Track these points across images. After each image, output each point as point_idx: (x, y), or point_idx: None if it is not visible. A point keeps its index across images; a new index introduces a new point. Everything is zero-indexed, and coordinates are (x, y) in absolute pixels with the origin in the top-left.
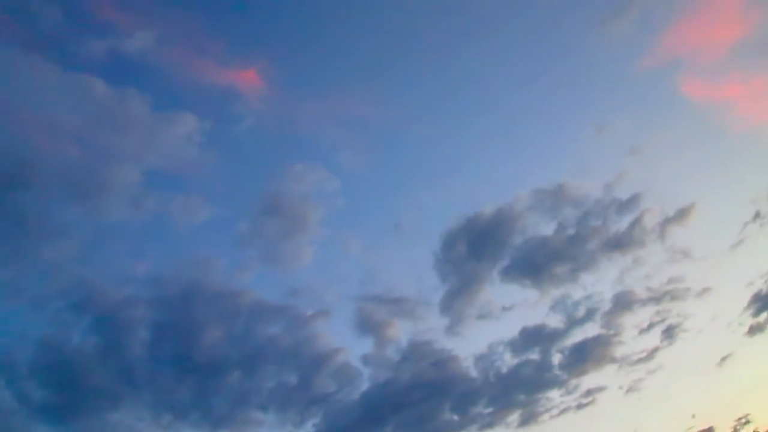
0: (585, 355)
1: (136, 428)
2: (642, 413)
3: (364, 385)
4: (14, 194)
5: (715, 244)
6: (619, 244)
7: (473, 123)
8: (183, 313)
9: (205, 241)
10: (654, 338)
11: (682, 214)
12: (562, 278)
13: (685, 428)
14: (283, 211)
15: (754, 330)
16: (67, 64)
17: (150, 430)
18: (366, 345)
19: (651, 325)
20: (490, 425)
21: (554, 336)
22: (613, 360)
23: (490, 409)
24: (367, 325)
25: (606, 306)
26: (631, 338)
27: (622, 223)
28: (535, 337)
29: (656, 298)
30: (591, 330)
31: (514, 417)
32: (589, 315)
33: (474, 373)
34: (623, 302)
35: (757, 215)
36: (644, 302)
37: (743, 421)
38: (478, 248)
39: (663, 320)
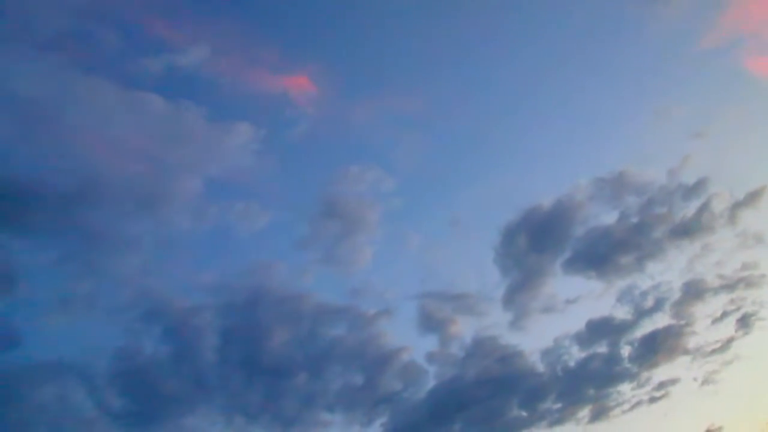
0: (656, 347)
1: None
2: (719, 406)
3: (430, 383)
4: (85, 212)
5: None
6: (686, 230)
7: (528, 114)
8: (249, 318)
9: (265, 246)
10: (728, 328)
11: (752, 197)
12: (628, 268)
13: (766, 421)
14: (341, 212)
15: None
16: (126, 83)
17: None
18: (430, 343)
19: (725, 314)
20: (560, 421)
21: (622, 328)
22: (686, 351)
23: (558, 405)
24: (430, 323)
25: (675, 295)
26: (704, 328)
27: (688, 209)
28: (602, 329)
29: (729, 286)
30: (661, 321)
31: (585, 412)
32: (658, 305)
33: (541, 368)
34: (694, 291)
35: None
36: (716, 290)
37: None
38: (538, 241)
39: (737, 309)
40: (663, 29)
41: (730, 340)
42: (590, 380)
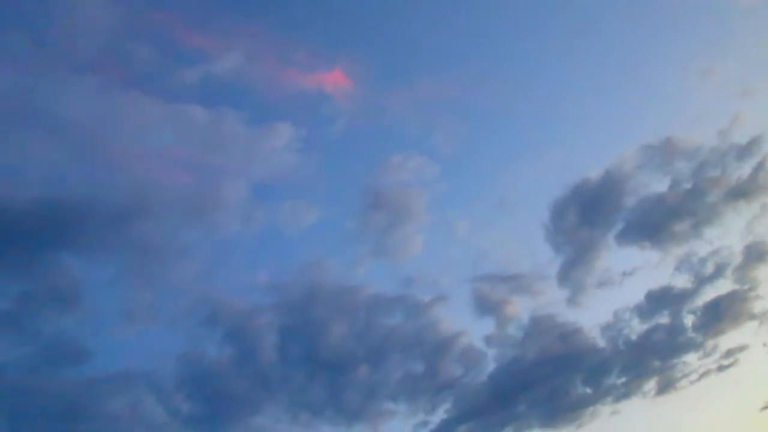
0: (720, 314)
1: (277, 430)
2: None
3: (490, 366)
4: (138, 225)
5: None
6: (743, 192)
7: (568, 87)
8: (306, 314)
9: (315, 243)
10: None
11: None
12: (684, 235)
13: None
14: (387, 203)
15: None
16: (166, 96)
17: (290, 430)
18: (487, 326)
19: None
20: (626, 396)
21: (683, 297)
22: (753, 316)
23: (623, 379)
24: (485, 306)
25: (737, 260)
26: None
27: (743, 170)
28: (662, 300)
29: None
30: (723, 287)
31: (651, 385)
32: (719, 271)
33: (602, 343)
34: (756, 253)
35: None
36: None
37: None
38: (589, 215)
39: None
40: None
41: None
42: (654, 352)
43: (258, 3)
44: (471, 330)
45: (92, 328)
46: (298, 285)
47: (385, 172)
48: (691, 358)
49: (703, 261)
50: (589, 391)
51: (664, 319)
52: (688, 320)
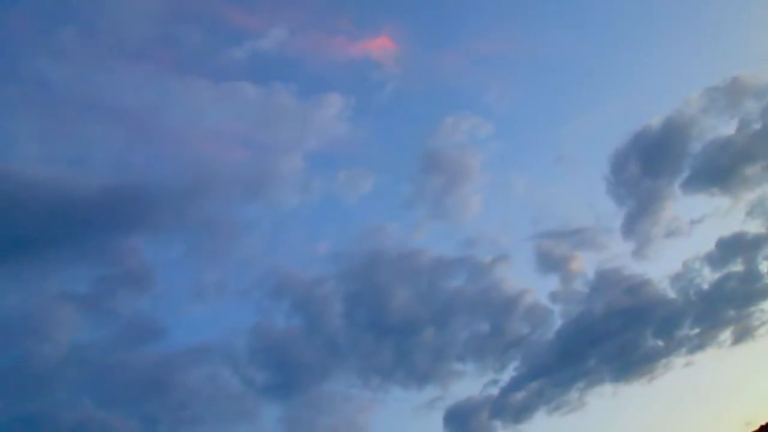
0: None
1: (350, 394)
2: None
3: (557, 323)
4: (202, 203)
5: None
6: None
7: (626, 32)
8: (369, 281)
9: (373, 209)
10: None
11: None
12: (756, 179)
13: None
14: (443, 165)
15: None
16: (216, 76)
17: (362, 394)
18: (552, 282)
19: None
20: (700, 347)
21: (757, 242)
22: None
23: (696, 330)
24: (548, 263)
25: None
26: None
27: None
28: (734, 246)
29: None
30: None
31: (726, 335)
32: None
33: (672, 294)
34: None
35: None
36: None
37: None
38: (652, 164)
39: None
40: None
41: None
42: (728, 301)
43: None
44: (535, 288)
45: (166, 306)
46: (359, 252)
47: (439, 134)
48: None
49: None
50: (660, 343)
51: (737, 266)
52: (764, 266)
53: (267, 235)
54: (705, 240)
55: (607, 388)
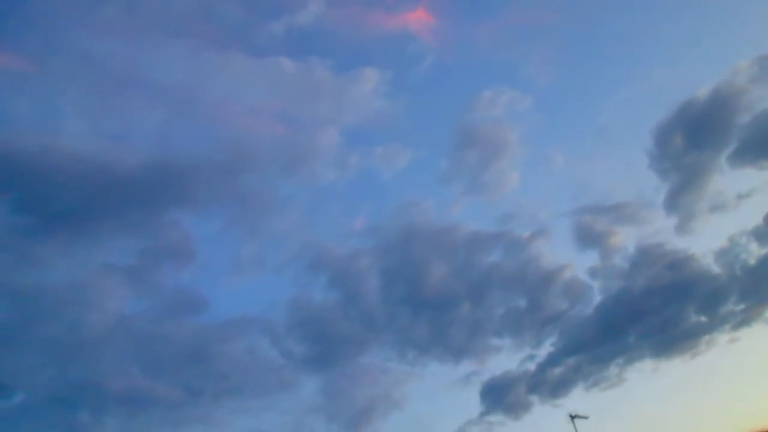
0: None
1: (387, 367)
2: None
3: (596, 298)
4: (241, 178)
5: None
6: None
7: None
8: (405, 255)
9: (410, 184)
10: None
11: None
12: None
13: None
14: (479, 139)
15: None
16: (254, 51)
17: (398, 367)
18: (591, 258)
19: None
20: (746, 322)
21: None
22: None
23: (741, 306)
24: (588, 238)
25: None
26: None
27: None
28: None
29: None
30: None
31: None
32: None
33: (716, 269)
34: None
35: None
36: None
37: None
38: (697, 137)
39: None
40: None
41: None
42: None
43: None
44: (574, 263)
45: (207, 279)
46: (396, 227)
47: (476, 108)
48: None
49: None
50: (703, 319)
51: None
52: None
53: (304, 210)
54: (752, 214)
55: (648, 364)
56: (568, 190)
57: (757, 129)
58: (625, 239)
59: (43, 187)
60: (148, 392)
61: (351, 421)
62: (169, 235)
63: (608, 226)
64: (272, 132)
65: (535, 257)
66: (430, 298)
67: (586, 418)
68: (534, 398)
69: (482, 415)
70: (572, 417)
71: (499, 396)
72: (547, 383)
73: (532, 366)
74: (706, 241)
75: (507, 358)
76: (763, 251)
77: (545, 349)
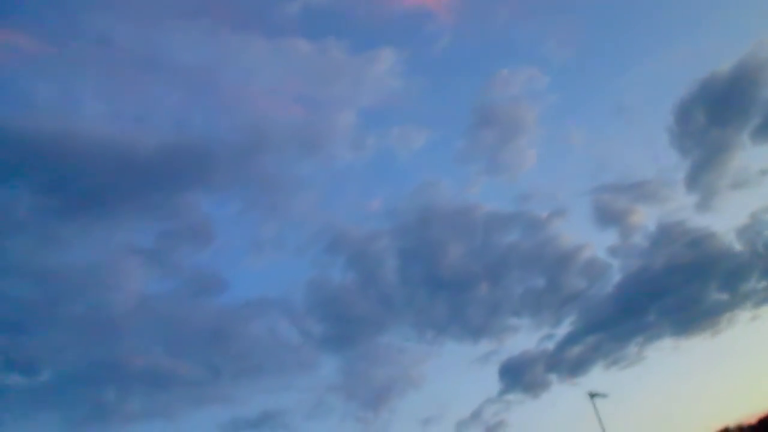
0: None
1: (405, 347)
2: None
3: (616, 277)
4: (259, 159)
5: None
6: None
7: None
8: (423, 236)
9: (427, 165)
10: None
11: None
12: None
13: None
14: (497, 119)
15: None
16: (270, 32)
17: (417, 347)
18: (610, 236)
19: None
20: None
21: None
22: None
23: (764, 283)
24: (607, 216)
25: None
26: None
27: None
28: None
29: None
30: None
31: None
32: None
33: (738, 246)
34: None
35: None
36: None
37: None
38: (719, 112)
39: None
40: None
41: None
42: None
43: None
44: (593, 242)
45: (226, 260)
46: (414, 208)
47: (493, 87)
48: None
49: None
50: (725, 297)
51: None
52: None
53: (322, 191)
54: None
55: (668, 343)
56: (587, 168)
57: None
58: (646, 217)
59: (64, 169)
60: (169, 371)
61: (370, 399)
62: (188, 217)
63: (628, 205)
64: (289, 113)
65: (554, 237)
66: (448, 278)
67: (605, 396)
68: (553, 377)
69: (501, 393)
70: (591, 395)
71: (518, 375)
72: (565, 362)
73: (550, 345)
74: (728, 218)
75: (525, 338)
76: None
77: (564, 328)
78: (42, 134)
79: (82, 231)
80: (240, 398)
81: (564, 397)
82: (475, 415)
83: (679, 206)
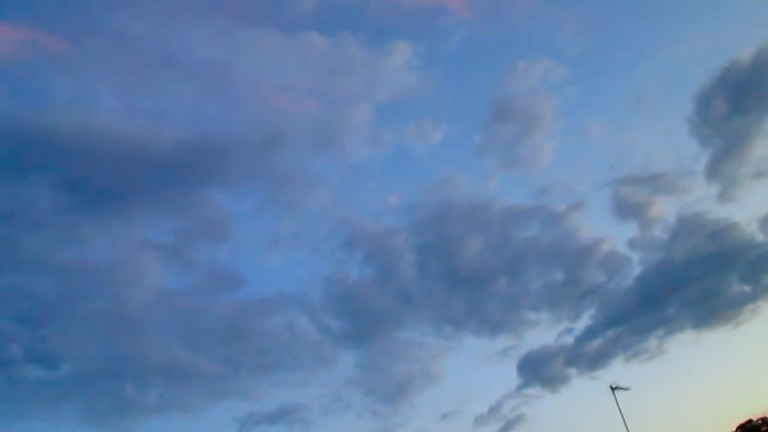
0: None
1: (423, 342)
2: None
3: (636, 270)
4: (275, 156)
5: None
6: None
7: None
8: (441, 231)
9: (444, 160)
10: None
11: None
12: None
13: None
14: (514, 112)
15: None
16: (286, 27)
17: (435, 342)
18: (629, 229)
19: None
20: None
21: None
22: None
23: None
24: (626, 209)
25: None
26: None
27: None
28: None
29: None
30: None
31: None
32: None
33: (761, 237)
34: None
35: None
36: None
37: None
38: (741, 100)
39: None
40: None
41: None
42: None
43: None
44: (612, 235)
45: (243, 256)
46: (431, 203)
47: (510, 80)
48: None
49: None
50: (747, 288)
51: None
52: None
53: (338, 187)
54: None
55: (689, 335)
56: (605, 161)
57: None
58: (665, 209)
59: (82, 165)
60: (188, 365)
61: (388, 394)
62: (205, 213)
63: (647, 197)
64: (305, 109)
65: (573, 230)
66: (466, 273)
67: (627, 389)
68: (572, 371)
69: (519, 388)
70: (613, 389)
71: (537, 369)
72: (585, 356)
73: (569, 339)
74: (750, 208)
75: (544, 332)
76: None
77: (583, 322)
78: (60, 130)
79: (101, 226)
80: (258, 393)
81: (583, 392)
82: (494, 410)
83: (700, 197)
